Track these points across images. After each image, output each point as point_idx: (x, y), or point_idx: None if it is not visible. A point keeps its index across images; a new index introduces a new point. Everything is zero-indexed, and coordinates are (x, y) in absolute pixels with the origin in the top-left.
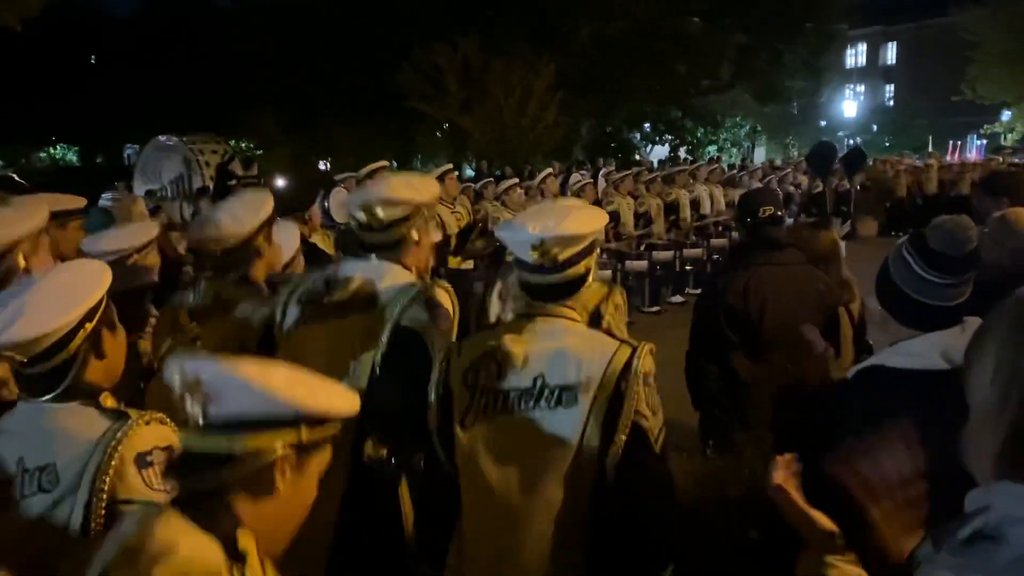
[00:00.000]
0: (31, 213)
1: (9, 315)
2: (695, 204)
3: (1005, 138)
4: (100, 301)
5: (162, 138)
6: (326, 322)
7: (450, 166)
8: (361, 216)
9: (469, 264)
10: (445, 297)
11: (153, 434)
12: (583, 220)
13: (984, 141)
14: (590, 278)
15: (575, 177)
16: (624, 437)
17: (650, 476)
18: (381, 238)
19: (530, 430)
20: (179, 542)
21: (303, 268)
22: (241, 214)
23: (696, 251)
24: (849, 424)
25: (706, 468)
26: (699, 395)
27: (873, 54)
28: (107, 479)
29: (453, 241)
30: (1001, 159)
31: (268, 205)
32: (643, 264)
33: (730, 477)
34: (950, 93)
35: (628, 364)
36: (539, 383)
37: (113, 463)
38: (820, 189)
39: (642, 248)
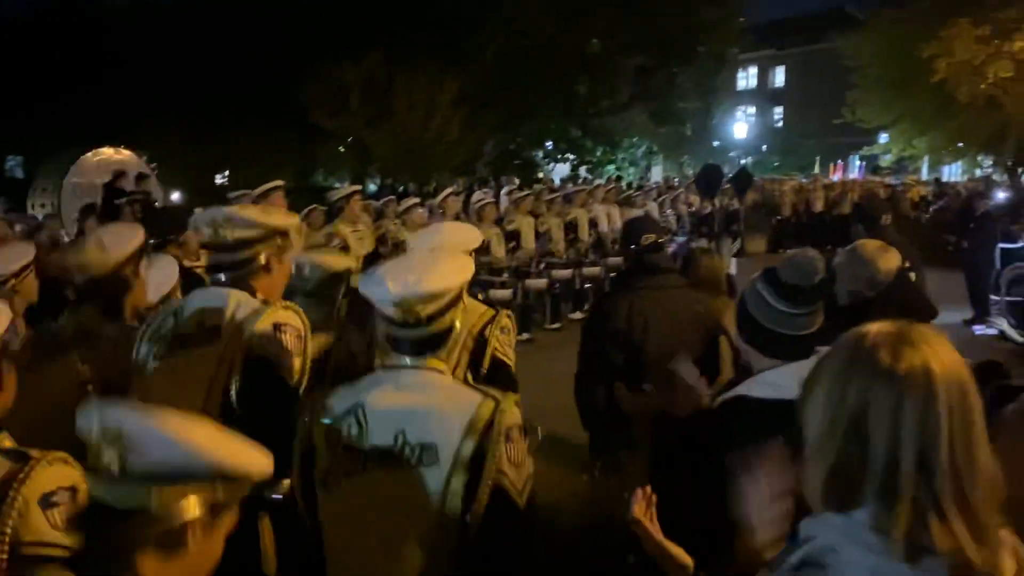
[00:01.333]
0: None
1: None
2: (593, 223)
3: (882, 159)
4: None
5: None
6: (174, 357)
7: (356, 188)
8: (208, 232)
9: None
10: (293, 317)
11: (56, 474)
12: (446, 275)
13: (864, 162)
14: (456, 329)
15: (477, 195)
16: (486, 496)
17: (512, 536)
18: (227, 258)
19: (391, 490)
20: None
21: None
22: (109, 243)
23: (595, 269)
24: (716, 452)
25: (592, 489)
26: (587, 416)
27: (763, 77)
28: (10, 522)
29: (358, 264)
30: (879, 179)
31: (138, 237)
32: (543, 282)
33: (613, 499)
34: (833, 115)
35: (491, 420)
36: (400, 440)
37: (16, 505)
38: (709, 210)
39: (542, 267)
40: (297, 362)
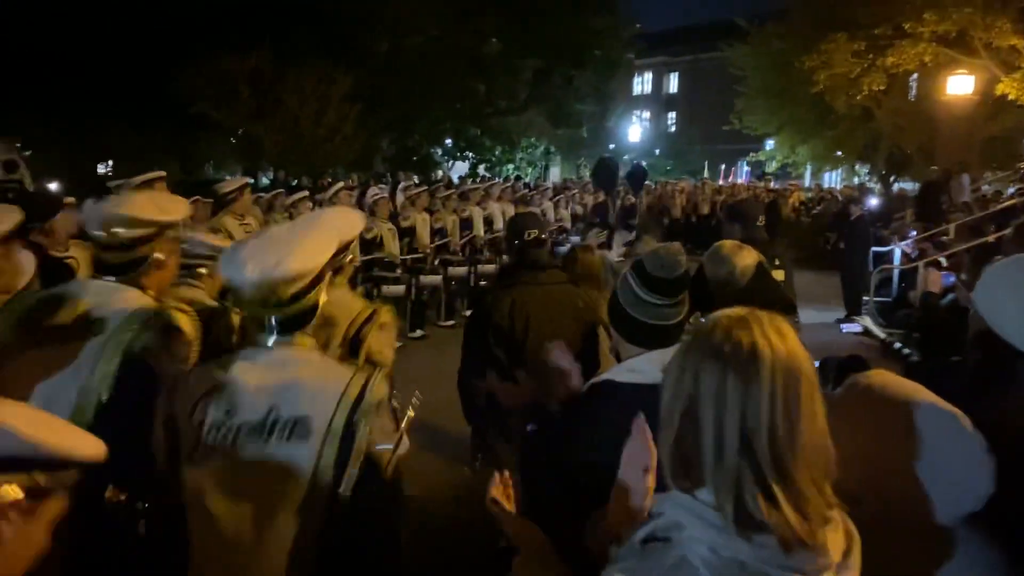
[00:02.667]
0: None
1: None
2: (488, 221)
3: (768, 166)
4: None
5: None
6: (43, 348)
7: (245, 181)
8: (100, 234)
9: None
10: (185, 321)
11: None
12: (307, 255)
13: (750, 168)
14: (321, 305)
15: (373, 191)
16: (357, 468)
17: (381, 504)
18: (119, 258)
19: (262, 465)
20: None
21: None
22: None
23: (490, 267)
24: (580, 432)
25: (470, 481)
26: (469, 411)
27: (657, 83)
28: None
29: None
30: (763, 184)
31: (12, 219)
32: (438, 279)
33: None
34: (722, 122)
35: (361, 393)
36: (271, 416)
37: None
38: (602, 200)
39: (437, 263)
40: (176, 363)
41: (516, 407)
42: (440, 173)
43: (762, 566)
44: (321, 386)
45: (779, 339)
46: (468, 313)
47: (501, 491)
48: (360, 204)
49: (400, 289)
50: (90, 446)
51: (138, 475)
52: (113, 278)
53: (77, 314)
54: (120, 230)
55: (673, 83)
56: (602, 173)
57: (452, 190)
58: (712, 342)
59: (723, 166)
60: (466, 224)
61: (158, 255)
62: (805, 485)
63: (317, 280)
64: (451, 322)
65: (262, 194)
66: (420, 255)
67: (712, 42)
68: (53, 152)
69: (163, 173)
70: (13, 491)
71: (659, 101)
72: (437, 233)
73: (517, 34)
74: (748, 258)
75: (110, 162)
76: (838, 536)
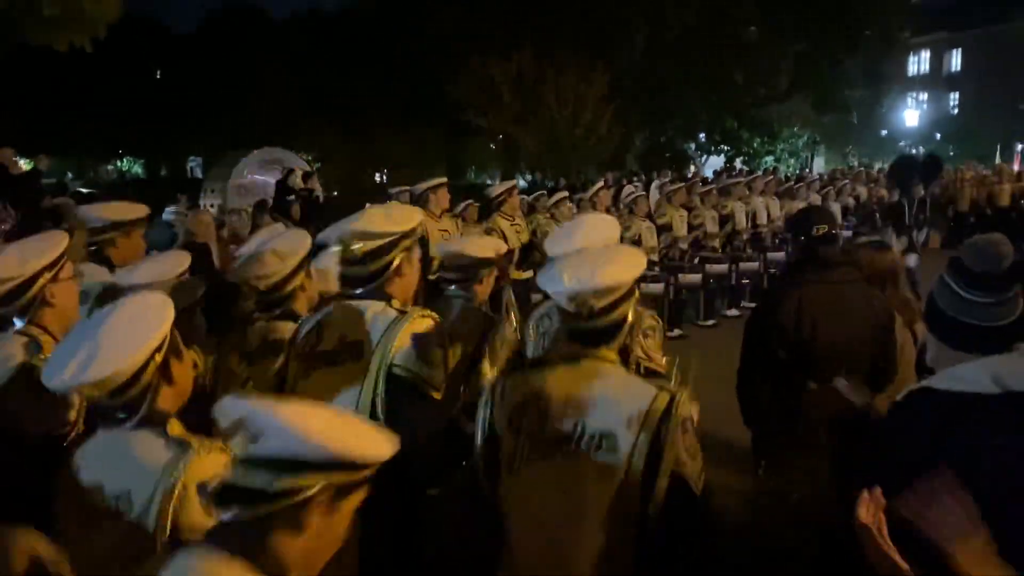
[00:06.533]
0: (52, 242)
1: (84, 355)
2: (751, 216)
3: None
4: (167, 333)
5: (266, 150)
6: (319, 372)
7: (513, 183)
8: (338, 248)
9: (529, 274)
10: (430, 325)
11: (214, 463)
12: (619, 270)
13: None
14: (628, 320)
15: (628, 189)
16: (665, 484)
17: (692, 521)
18: (359, 271)
19: (570, 476)
20: None
21: None
22: (283, 251)
23: (752, 264)
24: (897, 448)
25: (757, 487)
26: (750, 413)
27: (936, 61)
28: (170, 508)
29: (516, 255)
30: None
31: (307, 242)
32: (697, 278)
33: (781, 497)
34: (1018, 101)
35: (667, 411)
36: (579, 429)
37: (176, 492)
38: (896, 199)
39: (696, 261)
40: (438, 373)
41: (819, 415)
42: (692, 169)
43: None
44: (627, 402)
45: None
46: (728, 313)
47: (871, 511)
48: (615, 203)
49: (658, 287)
50: (382, 447)
51: (416, 480)
52: (359, 290)
53: (338, 337)
54: (356, 244)
55: (955, 60)
56: (901, 172)
57: (710, 185)
58: None
59: (1020, 147)
60: (726, 220)
61: (394, 265)
62: None
63: (626, 295)
64: (711, 321)
65: (523, 196)
66: (679, 252)
67: (1001, 12)
68: (334, 163)
69: (445, 179)
70: (316, 490)
71: (939, 81)
72: (695, 230)
73: (780, 16)
74: None
75: (385, 171)
76: None
